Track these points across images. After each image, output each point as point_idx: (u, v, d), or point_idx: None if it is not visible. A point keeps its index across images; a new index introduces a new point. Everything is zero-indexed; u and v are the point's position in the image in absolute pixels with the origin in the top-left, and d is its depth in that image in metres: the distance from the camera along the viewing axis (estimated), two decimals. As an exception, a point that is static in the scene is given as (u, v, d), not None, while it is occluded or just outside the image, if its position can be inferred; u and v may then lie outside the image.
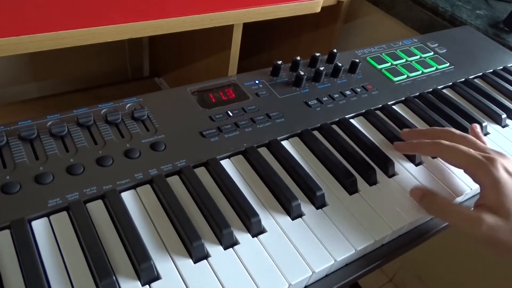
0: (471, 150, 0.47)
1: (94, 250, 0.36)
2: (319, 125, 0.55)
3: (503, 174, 0.44)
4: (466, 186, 0.51)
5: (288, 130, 0.53)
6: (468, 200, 0.53)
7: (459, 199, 0.51)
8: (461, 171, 0.52)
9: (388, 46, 0.73)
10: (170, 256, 0.38)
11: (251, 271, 0.38)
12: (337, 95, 0.60)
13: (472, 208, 0.45)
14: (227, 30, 0.83)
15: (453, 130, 0.51)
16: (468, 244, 1.05)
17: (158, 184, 0.43)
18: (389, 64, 0.69)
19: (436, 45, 0.76)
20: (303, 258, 0.40)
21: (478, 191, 0.53)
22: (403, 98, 0.63)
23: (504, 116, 0.63)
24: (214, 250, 0.40)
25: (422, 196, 0.46)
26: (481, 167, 0.45)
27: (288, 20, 0.88)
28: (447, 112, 0.61)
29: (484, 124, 0.60)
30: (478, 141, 0.49)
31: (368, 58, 0.69)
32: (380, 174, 0.50)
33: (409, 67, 0.68)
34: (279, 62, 0.60)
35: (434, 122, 0.59)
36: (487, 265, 1.03)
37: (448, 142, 0.48)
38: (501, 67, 0.74)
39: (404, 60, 0.70)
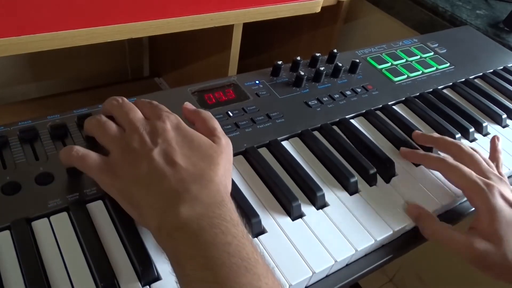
0: (472, 173, 0.47)
1: (94, 251, 0.36)
2: (319, 125, 0.55)
3: (499, 201, 0.44)
4: None
5: (288, 130, 0.53)
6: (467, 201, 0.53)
7: (459, 200, 0.51)
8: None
9: (388, 46, 0.73)
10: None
11: (252, 272, 0.38)
12: (337, 95, 0.59)
13: (467, 229, 0.46)
14: (227, 30, 0.83)
15: (462, 145, 0.51)
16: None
17: (158, 185, 0.43)
18: (389, 64, 0.69)
19: (436, 45, 0.76)
20: (304, 258, 0.40)
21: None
22: (403, 98, 0.63)
23: (504, 116, 0.63)
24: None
25: (418, 216, 0.47)
26: (478, 193, 0.45)
27: (288, 20, 0.88)
28: (447, 112, 0.61)
29: (484, 125, 0.60)
30: (483, 162, 0.49)
31: (368, 58, 0.69)
32: (380, 175, 0.50)
33: (409, 67, 0.68)
34: (279, 62, 0.60)
35: (434, 122, 0.59)
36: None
37: (452, 161, 0.49)
38: (501, 67, 0.74)
39: (404, 60, 0.70)
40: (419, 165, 0.53)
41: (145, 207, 0.36)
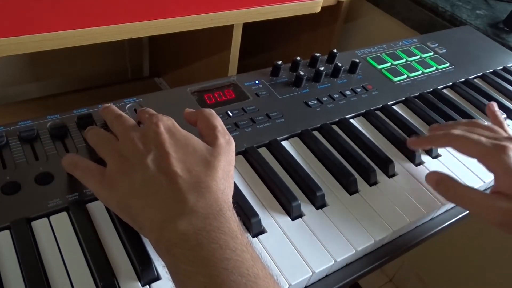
0: (482, 138, 0.46)
1: (94, 251, 0.36)
2: (319, 125, 0.55)
3: None
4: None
5: (288, 130, 0.53)
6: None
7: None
8: (462, 171, 0.53)
9: (388, 46, 0.73)
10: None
11: (251, 272, 0.38)
12: (337, 95, 0.60)
13: (489, 193, 0.45)
14: (227, 30, 0.83)
15: (475, 120, 0.51)
16: (468, 244, 1.05)
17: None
18: (389, 64, 0.69)
19: (436, 45, 0.76)
20: (303, 258, 0.40)
21: (480, 189, 0.53)
22: (403, 98, 0.63)
23: (504, 116, 0.63)
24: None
25: (438, 181, 0.46)
26: (493, 156, 0.44)
27: (288, 20, 0.88)
28: (447, 112, 0.61)
29: (484, 124, 0.60)
30: (486, 127, 0.49)
31: (368, 58, 0.69)
32: (380, 174, 0.50)
33: (409, 67, 0.68)
34: (279, 62, 0.60)
35: (434, 122, 0.59)
36: (487, 265, 1.03)
37: (458, 132, 0.48)
38: (501, 67, 0.74)
39: (404, 60, 0.70)
40: (419, 164, 0.53)
41: (143, 220, 0.35)
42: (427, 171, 0.52)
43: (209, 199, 0.35)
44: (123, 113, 0.44)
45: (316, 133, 0.54)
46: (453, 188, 0.45)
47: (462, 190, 0.45)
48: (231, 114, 0.53)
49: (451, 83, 0.68)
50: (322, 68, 0.61)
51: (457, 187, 0.45)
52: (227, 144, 0.40)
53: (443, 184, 0.46)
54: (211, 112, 0.43)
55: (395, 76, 0.66)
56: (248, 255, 0.33)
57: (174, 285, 0.33)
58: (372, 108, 0.59)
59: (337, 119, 0.56)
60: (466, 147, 0.47)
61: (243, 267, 0.32)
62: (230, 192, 0.38)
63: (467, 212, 0.52)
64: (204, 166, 0.37)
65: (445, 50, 0.75)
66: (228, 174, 0.39)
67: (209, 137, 0.40)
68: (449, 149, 0.55)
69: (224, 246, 0.32)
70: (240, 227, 0.35)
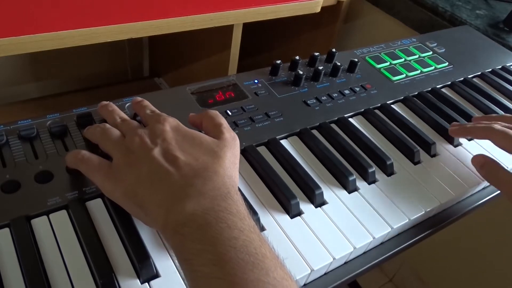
0: None
1: (93, 249, 0.37)
2: (318, 124, 0.55)
3: None
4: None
5: (287, 129, 0.53)
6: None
7: (458, 199, 0.51)
8: (464, 171, 0.53)
9: (387, 46, 0.73)
10: (170, 254, 0.38)
11: (250, 269, 0.38)
12: (336, 94, 0.60)
13: None
14: (227, 30, 0.83)
15: None
16: (468, 244, 1.05)
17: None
18: (388, 63, 0.69)
19: (435, 44, 0.76)
20: (302, 256, 0.40)
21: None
22: (402, 97, 0.63)
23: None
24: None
25: (483, 164, 0.49)
26: None
27: (288, 20, 0.88)
28: (446, 111, 0.61)
29: (483, 123, 0.61)
30: None
31: (367, 58, 0.69)
32: (378, 173, 0.51)
33: (408, 67, 0.69)
34: (278, 61, 0.61)
35: (432, 121, 0.59)
36: (487, 265, 1.03)
37: (500, 127, 0.50)
38: (500, 67, 0.75)
39: (403, 60, 0.70)
40: (417, 163, 0.53)
41: (150, 206, 0.36)
42: (426, 170, 0.52)
43: (216, 182, 0.36)
44: (121, 112, 0.45)
45: (315, 132, 0.54)
46: (495, 171, 0.48)
47: (504, 175, 0.48)
48: (230, 113, 0.53)
49: (449, 82, 0.68)
50: (321, 68, 0.61)
51: (499, 171, 0.48)
52: (233, 139, 0.42)
53: (487, 166, 0.49)
54: (216, 112, 0.45)
55: (394, 76, 0.66)
56: (256, 236, 0.33)
57: (180, 266, 0.33)
58: (371, 107, 0.59)
59: (336, 118, 0.57)
60: (503, 141, 0.49)
61: (251, 246, 0.32)
62: (237, 180, 0.39)
63: (467, 211, 0.52)
64: (211, 156, 0.38)
65: (444, 50, 0.75)
66: (234, 165, 0.40)
67: (215, 133, 0.42)
68: (448, 152, 0.56)
69: (232, 226, 0.33)
70: (247, 211, 0.36)
